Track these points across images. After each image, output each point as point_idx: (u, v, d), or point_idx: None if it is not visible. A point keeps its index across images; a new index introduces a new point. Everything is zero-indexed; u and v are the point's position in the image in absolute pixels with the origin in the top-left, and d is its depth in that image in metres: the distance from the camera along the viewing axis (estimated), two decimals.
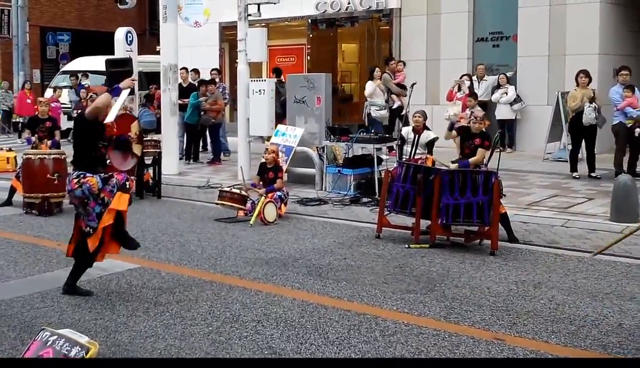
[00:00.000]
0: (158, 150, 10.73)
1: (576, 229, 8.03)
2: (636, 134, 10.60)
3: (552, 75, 13.91)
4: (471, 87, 13.34)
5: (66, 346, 4.26)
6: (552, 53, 14.06)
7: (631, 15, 14.60)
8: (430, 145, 9.20)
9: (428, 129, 9.30)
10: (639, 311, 5.48)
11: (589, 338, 4.97)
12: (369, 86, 13.62)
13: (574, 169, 11.13)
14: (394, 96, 13.68)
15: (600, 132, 11.36)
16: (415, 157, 8.87)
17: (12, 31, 23.99)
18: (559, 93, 12.39)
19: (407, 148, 9.14)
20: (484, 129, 8.01)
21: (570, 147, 11.50)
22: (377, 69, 13.79)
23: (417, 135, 9.04)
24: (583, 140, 11.10)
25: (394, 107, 13.68)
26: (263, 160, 9.36)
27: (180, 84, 13.58)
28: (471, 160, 7.77)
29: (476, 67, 14.52)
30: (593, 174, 10.96)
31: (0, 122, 21.76)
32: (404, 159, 8.70)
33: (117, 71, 12.47)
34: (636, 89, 10.75)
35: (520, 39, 14.45)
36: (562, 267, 6.77)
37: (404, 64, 14.46)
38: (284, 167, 10.15)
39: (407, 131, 9.27)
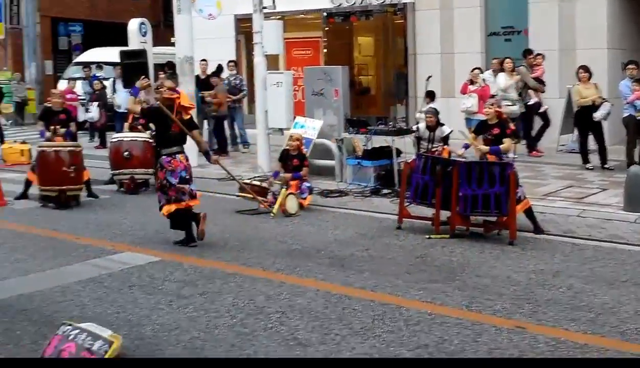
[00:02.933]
0: None
1: (591, 219, 8.15)
2: None
3: (563, 69, 13.94)
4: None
5: (89, 340, 4.14)
6: (562, 47, 14.13)
7: (637, 9, 14.62)
8: (445, 139, 9.41)
9: (442, 125, 9.47)
10: None
11: (607, 325, 5.05)
12: (502, 79, 12.52)
13: (585, 160, 11.29)
14: (530, 91, 12.73)
15: (612, 125, 11.43)
16: (433, 151, 9.07)
17: (22, 21, 23.82)
18: (571, 87, 12.44)
19: (424, 143, 9.36)
20: (504, 118, 8.08)
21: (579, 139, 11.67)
22: (508, 60, 12.78)
23: (431, 132, 9.22)
24: (590, 133, 11.23)
25: (530, 103, 12.72)
26: (286, 147, 9.43)
27: (197, 76, 13.65)
28: (502, 147, 7.81)
29: (491, 61, 14.54)
30: (606, 166, 11.09)
31: (13, 114, 21.93)
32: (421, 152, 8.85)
33: (132, 63, 12.67)
34: None
35: (531, 34, 14.52)
36: (579, 255, 6.87)
37: (544, 57, 13.31)
38: None
39: (422, 128, 9.43)
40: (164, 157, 7.06)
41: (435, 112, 9.51)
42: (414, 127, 10.03)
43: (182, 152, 7.19)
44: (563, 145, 13.10)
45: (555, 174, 11.00)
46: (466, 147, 8.28)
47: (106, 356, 4.11)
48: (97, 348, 4.12)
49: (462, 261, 6.68)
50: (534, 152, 12.67)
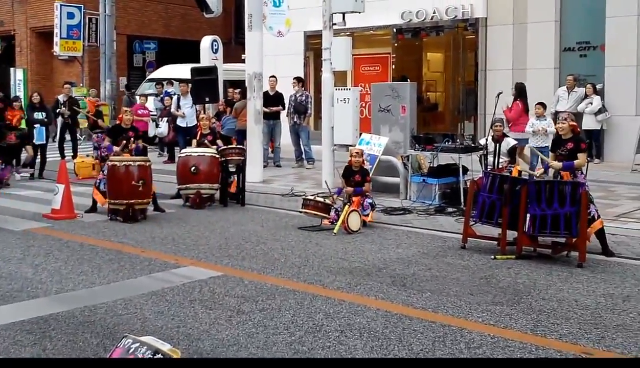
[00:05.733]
0: (242, 158, 10.92)
1: None
2: None
3: None
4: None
5: (148, 353, 3.96)
6: None
7: None
8: (511, 152, 9.21)
9: (507, 136, 9.41)
10: None
11: None
12: None
13: None
14: None
15: None
16: (499, 166, 8.88)
17: (99, 39, 24.67)
18: None
19: (490, 158, 9.15)
20: (578, 132, 7.83)
21: None
22: None
23: (497, 144, 9.07)
24: None
25: None
26: (348, 163, 9.38)
27: (266, 92, 13.82)
28: (576, 162, 7.52)
29: (566, 78, 14.18)
30: None
31: (87, 130, 22.71)
32: (488, 169, 8.68)
33: (202, 79, 13.06)
34: None
35: (607, 49, 14.09)
36: None
37: None
38: None
39: (489, 140, 9.26)
40: None
41: (503, 123, 9.42)
42: (481, 141, 9.91)
43: None
44: (638, 164, 12.57)
45: (628, 194, 10.55)
46: (547, 167, 7.98)
47: None
48: None
49: (528, 283, 6.47)
50: None
